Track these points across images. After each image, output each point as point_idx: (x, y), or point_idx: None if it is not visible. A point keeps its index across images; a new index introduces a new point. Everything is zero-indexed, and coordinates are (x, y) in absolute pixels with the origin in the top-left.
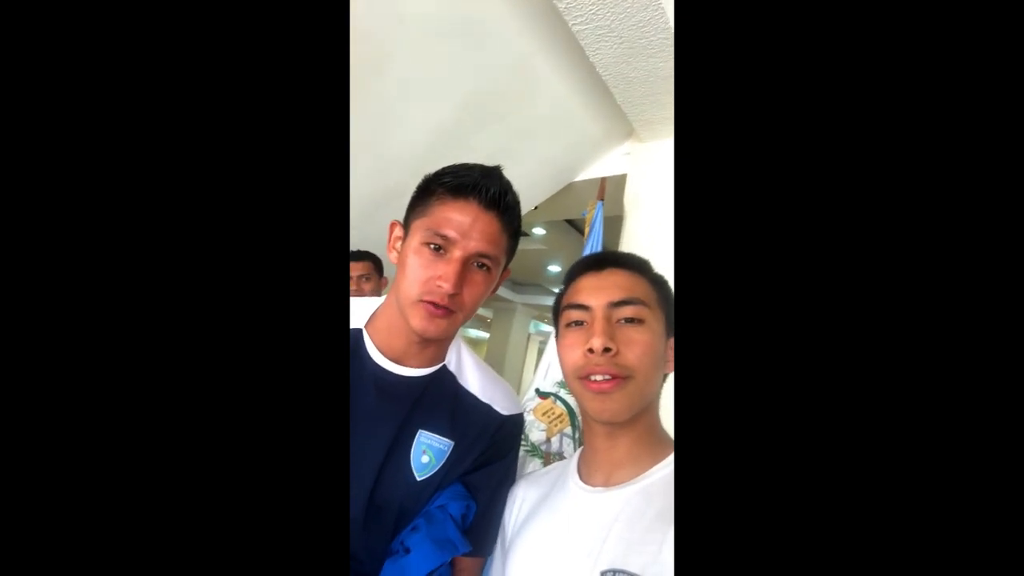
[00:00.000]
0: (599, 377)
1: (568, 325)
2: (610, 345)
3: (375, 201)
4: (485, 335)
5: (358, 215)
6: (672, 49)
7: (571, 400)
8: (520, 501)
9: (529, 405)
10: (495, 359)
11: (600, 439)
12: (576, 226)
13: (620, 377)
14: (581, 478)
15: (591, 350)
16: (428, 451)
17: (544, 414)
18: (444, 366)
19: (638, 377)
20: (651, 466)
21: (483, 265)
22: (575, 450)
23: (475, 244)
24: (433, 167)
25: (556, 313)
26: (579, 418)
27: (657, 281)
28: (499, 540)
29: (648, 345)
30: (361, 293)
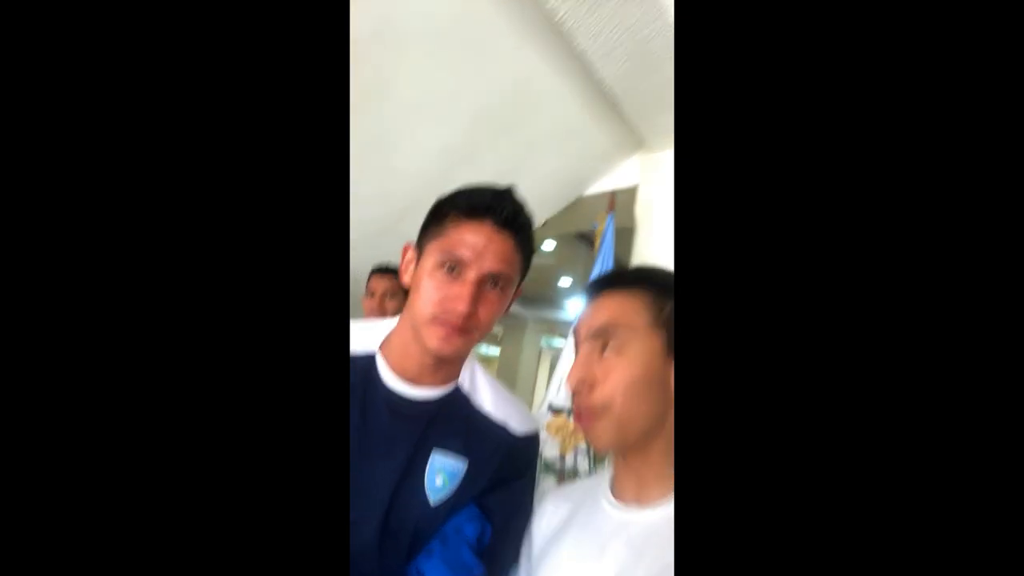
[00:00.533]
0: (582, 412)
1: (576, 350)
2: (584, 378)
3: (383, 226)
4: (496, 351)
5: (365, 239)
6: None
7: None
8: (549, 515)
9: (542, 421)
10: (507, 375)
11: (628, 460)
12: (587, 239)
13: (595, 411)
14: (613, 494)
15: (573, 381)
16: (442, 472)
17: (558, 430)
18: (458, 386)
19: (615, 410)
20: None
21: (497, 284)
22: (590, 465)
23: (489, 264)
24: (442, 187)
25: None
26: None
27: (660, 295)
28: (525, 554)
29: (626, 375)
30: (384, 311)
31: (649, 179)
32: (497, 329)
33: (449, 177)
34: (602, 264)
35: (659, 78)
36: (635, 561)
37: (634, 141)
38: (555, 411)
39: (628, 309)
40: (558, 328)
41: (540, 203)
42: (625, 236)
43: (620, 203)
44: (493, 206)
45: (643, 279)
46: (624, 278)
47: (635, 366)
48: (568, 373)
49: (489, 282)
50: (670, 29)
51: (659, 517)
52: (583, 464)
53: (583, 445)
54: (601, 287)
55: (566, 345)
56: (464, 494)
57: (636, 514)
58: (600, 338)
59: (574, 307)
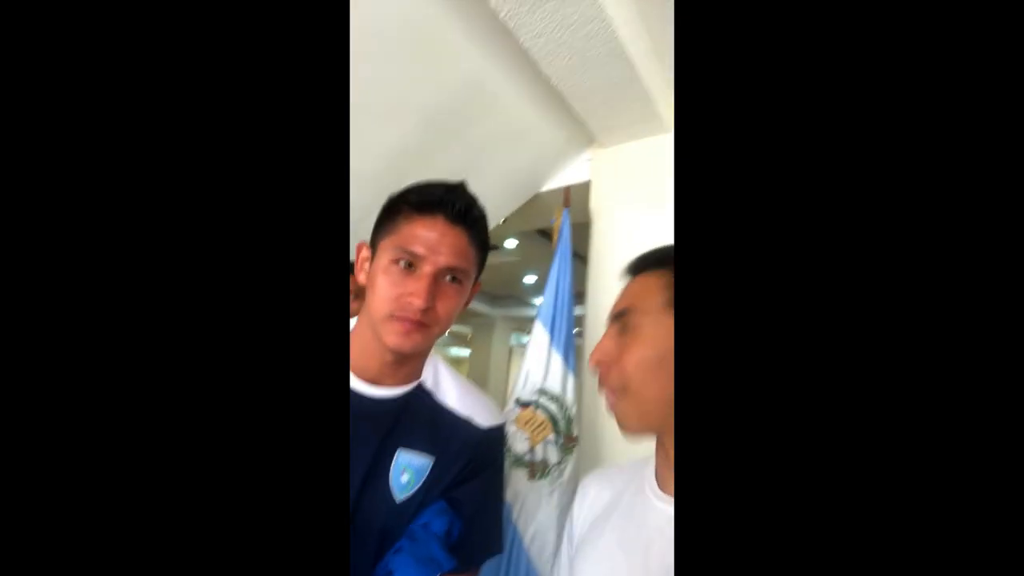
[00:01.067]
0: (607, 395)
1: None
2: (602, 359)
3: None
4: (466, 352)
5: None
6: (622, 58)
7: (552, 407)
8: (592, 499)
9: (511, 416)
10: (478, 375)
11: (667, 446)
12: (547, 235)
13: (614, 391)
14: (658, 483)
15: (596, 363)
16: (408, 470)
17: (526, 423)
18: (421, 384)
19: (631, 390)
20: None
21: (454, 278)
22: (559, 456)
23: (444, 259)
24: (396, 187)
25: None
26: (562, 424)
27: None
28: (566, 537)
29: (639, 355)
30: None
31: (601, 174)
32: (466, 330)
33: (403, 180)
34: (561, 258)
35: (603, 75)
36: None
37: (585, 137)
38: (523, 405)
39: (645, 290)
40: (526, 325)
41: (497, 201)
42: (582, 231)
43: (575, 198)
44: (445, 200)
45: (663, 260)
46: (647, 260)
47: (647, 346)
48: (591, 353)
49: (445, 276)
50: (609, 27)
51: None
52: (553, 456)
53: (552, 436)
54: (630, 271)
55: (531, 340)
56: (432, 490)
57: None
58: (619, 320)
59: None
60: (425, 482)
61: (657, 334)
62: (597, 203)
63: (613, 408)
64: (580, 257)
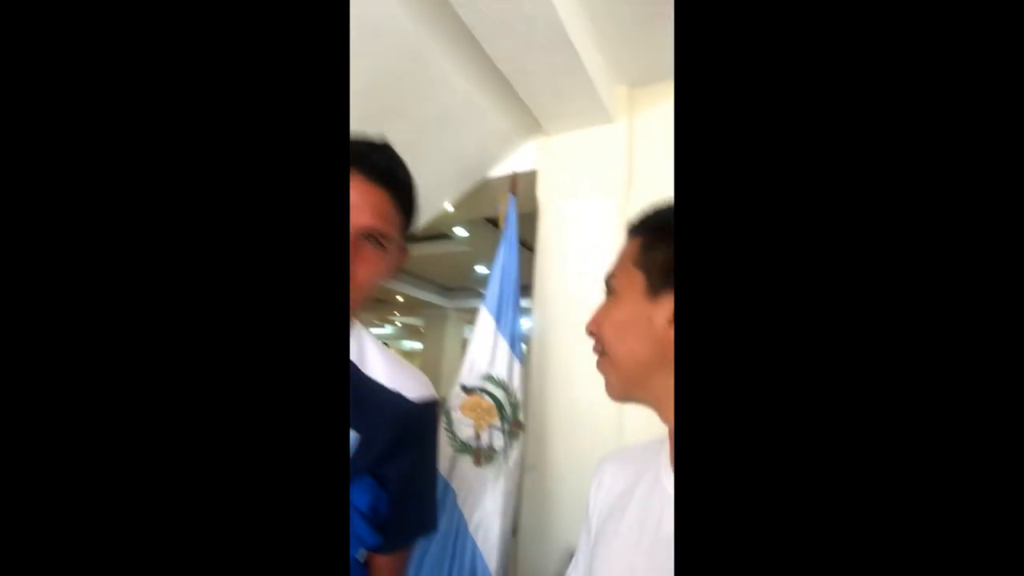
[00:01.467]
0: (597, 356)
1: None
2: (590, 325)
3: None
4: (419, 345)
5: None
6: (566, 45)
7: (498, 393)
8: (609, 484)
9: (455, 403)
10: (431, 368)
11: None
12: (497, 224)
13: (600, 355)
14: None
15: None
16: None
17: (471, 410)
18: None
19: (609, 352)
20: None
21: (376, 242)
22: (505, 442)
23: (364, 219)
24: None
25: None
26: (508, 410)
27: (650, 236)
28: (584, 530)
29: (612, 317)
30: None
31: (547, 163)
32: (418, 322)
33: None
34: (507, 247)
35: (547, 61)
36: None
37: (531, 125)
38: (468, 391)
39: (623, 254)
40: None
41: (442, 183)
42: (529, 220)
43: (522, 187)
44: (363, 155)
45: (642, 223)
46: (633, 227)
47: (617, 307)
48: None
49: (364, 239)
50: (553, 12)
51: None
52: (498, 442)
53: (496, 422)
54: (628, 235)
55: (476, 327)
56: (359, 465)
57: None
58: (605, 287)
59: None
60: (352, 458)
61: (625, 294)
62: (544, 192)
63: (600, 370)
64: (527, 247)
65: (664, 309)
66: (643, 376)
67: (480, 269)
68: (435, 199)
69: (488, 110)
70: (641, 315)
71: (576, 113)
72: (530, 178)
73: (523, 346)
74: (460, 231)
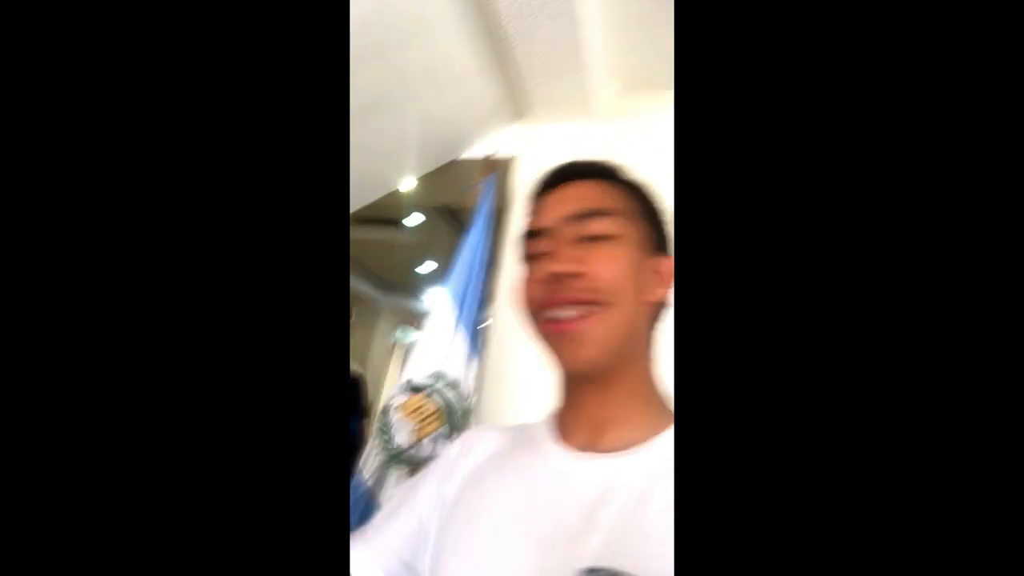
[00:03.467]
0: (566, 314)
1: (526, 260)
2: (576, 269)
3: None
4: None
5: None
6: (573, 22)
7: (449, 395)
8: (466, 455)
9: (395, 402)
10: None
11: (582, 394)
12: (458, 218)
13: (593, 303)
14: (560, 437)
15: (553, 277)
16: None
17: (414, 411)
18: None
19: (615, 302)
20: (655, 431)
21: None
22: None
23: None
24: None
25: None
26: (457, 416)
27: (635, 187)
28: (433, 493)
29: (625, 262)
30: None
31: (531, 152)
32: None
33: None
34: (481, 229)
35: (552, 31)
36: (585, 523)
37: (517, 106)
38: (414, 389)
39: (611, 194)
40: (414, 320)
41: (405, 156)
42: (498, 217)
43: (499, 174)
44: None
45: (602, 171)
46: (594, 166)
47: (633, 255)
48: (551, 266)
49: None
50: None
51: (621, 468)
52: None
53: (443, 430)
54: (554, 182)
55: (433, 314)
56: None
57: (591, 461)
58: (578, 224)
59: (434, 298)
60: None
61: (638, 244)
62: (522, 185)
63: (584, 333)
64: (495, 239)
65: (658, 269)
66: (631, 339)
67: (424, 267)
68: (392, 174)
69: (474, 77)
70: (648, 266)
71: (566, 100)
72: (506, 167)
73: (481, 344)
74: (414, 218)
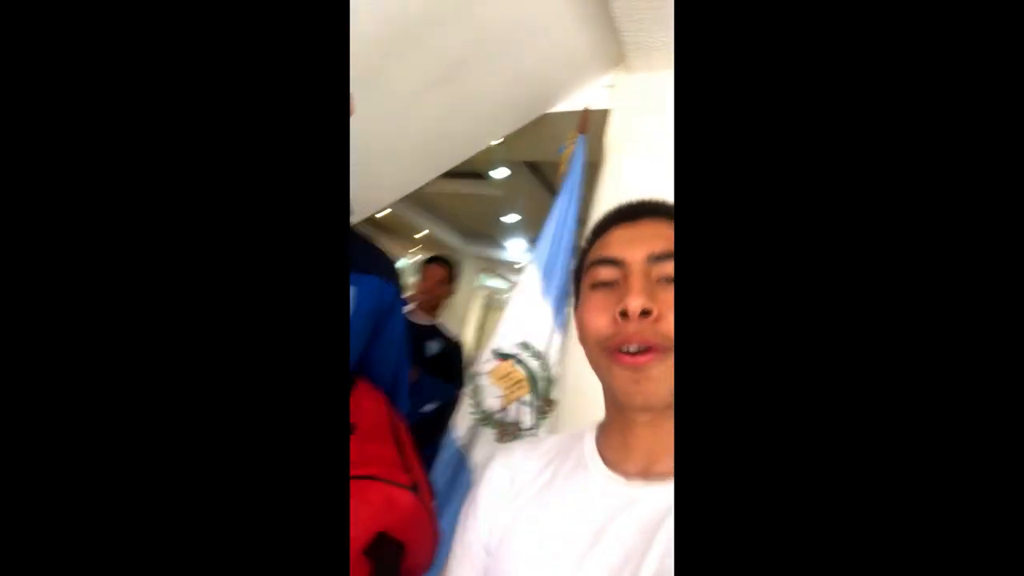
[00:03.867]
0: (634, 348)
1: (594, 287)
2: (650, 307)
3: None
4: None
5: None
6: None
7: (533, 364)
8: (512, 482)
9: (484, 368)
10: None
11: (635, 426)
12: (542, 172)
13: (660, 349)
14: (607, 465)
15: (624, 313)
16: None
17: (502, 378)
18: None
19: (673, 352)
20: None
21: None
22: (533, 421)
23: None
24: (381, 73)
25: (578, 274)
26: (541, 385)
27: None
28: (476, 535)
29: (674, 311)
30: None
31: (624, 104)
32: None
33: (391, 59)
34: (569, 196)
35: None
36: (645, 546)
37: (612, 54)
38: (501, 357)
39: (671, 239)
40: (496, 267)
41: (496, 111)
42: (589, 171)
43: (591, 128)
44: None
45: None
46: (656, 209)
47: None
48: (628, 299)
49: None
50: None
51: (671, 496)
52: (526, 419)
53: (527, 397)
54: (630, 215)
55: (519, 284)
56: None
57: (644, 490)
58: (657, 264)
59: (516, 247)
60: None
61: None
62: (615, 139)
63: (648, 370)
64: (586, 200)
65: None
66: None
67: (508, 218)
68: (482, 133)
69: (566, 26)
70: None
71: (659, 49)
72: (598, 120)
73: (568, 314)
74: (500, 171)
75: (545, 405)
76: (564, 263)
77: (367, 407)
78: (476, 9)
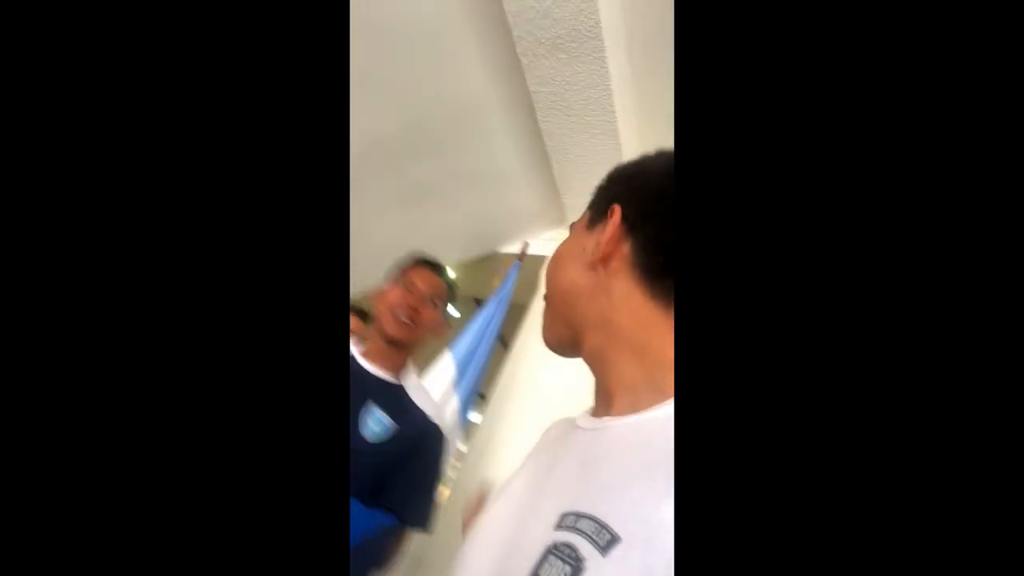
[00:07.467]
0: None
1: None
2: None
3: None
4: None
5: None
6: (614, 133)
7: None
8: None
9: None
10: None
11: (593, 370)
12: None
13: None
14: (590, 412)
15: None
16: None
17: None
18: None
19: (547, 291)
20: (657, 399)
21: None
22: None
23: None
24: (360, 182)
25: None
26: None
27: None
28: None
29: (554, 255)
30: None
31: None
32: None
33: (370, 173)
34: (498, 305)
35: (590, 147)
36: (576, 476)
37: (557, 213)
38: None
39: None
40: None
41: (452, 242)
42: (516, 312)
43: (525, 271)
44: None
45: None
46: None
47: (567, 243)
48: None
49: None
50: (610, 96)
51: (619, 430)
52: None
53: None
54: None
55: (433, 371)
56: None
57: (594, 429)
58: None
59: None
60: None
61: (572, 233)
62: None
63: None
64: (503, 342)
65: (595, 235)
66: (571, 314)
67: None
68: (438, 253)
69: (521, 181)
70: (577, 246)
71: None
72: (537, 264)
73: (469, 418)
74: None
75: None
76: (480, 363)
77: None
78: (450, 152)
